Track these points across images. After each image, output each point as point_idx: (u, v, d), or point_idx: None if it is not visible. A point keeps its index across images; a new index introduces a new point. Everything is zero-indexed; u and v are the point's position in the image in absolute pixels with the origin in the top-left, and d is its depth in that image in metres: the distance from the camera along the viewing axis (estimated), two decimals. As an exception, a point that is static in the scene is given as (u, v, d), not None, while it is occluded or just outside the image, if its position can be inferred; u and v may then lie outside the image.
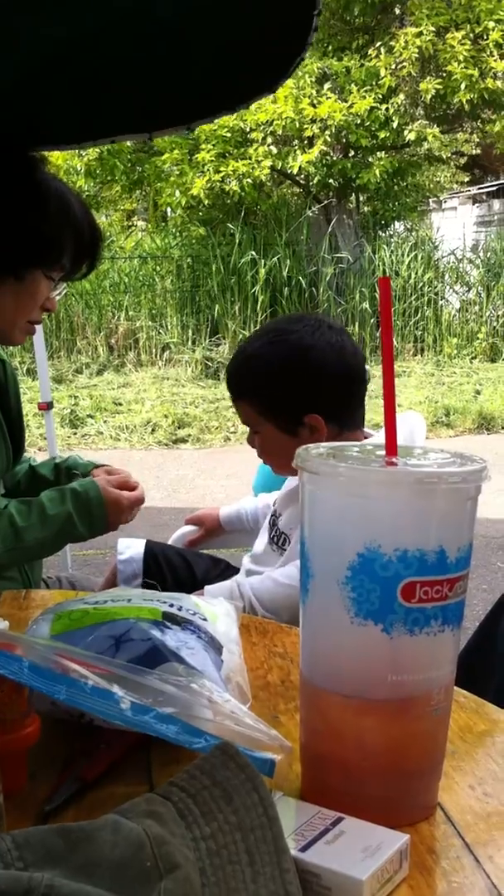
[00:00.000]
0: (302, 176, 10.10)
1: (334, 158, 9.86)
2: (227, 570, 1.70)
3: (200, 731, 0.66)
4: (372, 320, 9.27)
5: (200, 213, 10.11)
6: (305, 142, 9.74)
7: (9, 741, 0.66)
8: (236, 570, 1.65)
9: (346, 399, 1.46)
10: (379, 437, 1.47)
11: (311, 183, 10.06)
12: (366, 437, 1.49)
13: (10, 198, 1.34)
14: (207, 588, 1.40)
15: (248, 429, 1.51)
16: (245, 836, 0.56)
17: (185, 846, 0.54)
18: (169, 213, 10.90)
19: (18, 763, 0.70)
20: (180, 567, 1.66)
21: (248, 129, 9.52)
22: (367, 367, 1.53)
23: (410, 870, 0.60)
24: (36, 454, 4.19)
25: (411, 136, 9.62)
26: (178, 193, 9.71)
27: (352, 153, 10.08)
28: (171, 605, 0.86)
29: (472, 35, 9.25)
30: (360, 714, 0.64)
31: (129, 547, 1.64)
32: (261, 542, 1.58)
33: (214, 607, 0.93)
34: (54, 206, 1.36)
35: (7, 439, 1.53)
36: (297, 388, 1.41)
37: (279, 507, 1.57)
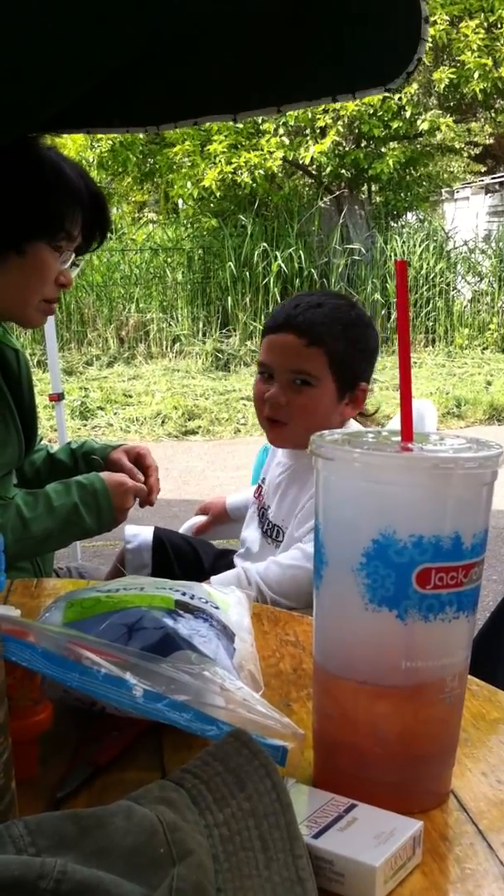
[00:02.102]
0: (314, 167, 10.06)
1: (347, 149, 9.82)
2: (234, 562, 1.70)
3: (213, 718, 0.66)
4: (383, 311, 9.24)
5: (212, 205, 10.08)
6: (318, 132, 9.69)
7: (21, 727, 0.66)
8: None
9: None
10: (394, 423, 1.47)
11: (322, 174, 10.02)
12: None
13: None
14: (213, 578, 1.40)
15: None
16: (258, 822, 0.55)
17: (199, 832, 0.54)
18: (180, 205, 10.87)
19: (30, 749, 0.70)
20: (188, 554, 1.66)
21: (260, 120, 9.49)
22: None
23: (423, 856, 0.60)
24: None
25: (424, 126, 9.57)
26: (189, 185, 9.69)
27: (364, 143, 10.03)
28: (184, 594, 0.86)
29: (485, 24, 9.19)
30: (373, 700, 0.64)
31: (137, 535, 1.64)
32: (252, 537, 1.57)
33: (226, 596, 0.93)
34: (46, 172, 1.33)
35: (20, 431, 1.52)
36: (362, 354, 1.48)
37: (267, 499, 1.56)
